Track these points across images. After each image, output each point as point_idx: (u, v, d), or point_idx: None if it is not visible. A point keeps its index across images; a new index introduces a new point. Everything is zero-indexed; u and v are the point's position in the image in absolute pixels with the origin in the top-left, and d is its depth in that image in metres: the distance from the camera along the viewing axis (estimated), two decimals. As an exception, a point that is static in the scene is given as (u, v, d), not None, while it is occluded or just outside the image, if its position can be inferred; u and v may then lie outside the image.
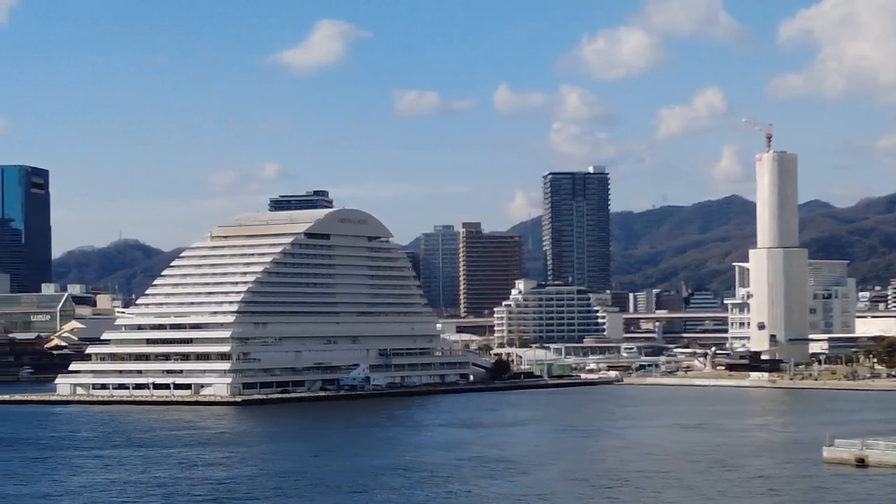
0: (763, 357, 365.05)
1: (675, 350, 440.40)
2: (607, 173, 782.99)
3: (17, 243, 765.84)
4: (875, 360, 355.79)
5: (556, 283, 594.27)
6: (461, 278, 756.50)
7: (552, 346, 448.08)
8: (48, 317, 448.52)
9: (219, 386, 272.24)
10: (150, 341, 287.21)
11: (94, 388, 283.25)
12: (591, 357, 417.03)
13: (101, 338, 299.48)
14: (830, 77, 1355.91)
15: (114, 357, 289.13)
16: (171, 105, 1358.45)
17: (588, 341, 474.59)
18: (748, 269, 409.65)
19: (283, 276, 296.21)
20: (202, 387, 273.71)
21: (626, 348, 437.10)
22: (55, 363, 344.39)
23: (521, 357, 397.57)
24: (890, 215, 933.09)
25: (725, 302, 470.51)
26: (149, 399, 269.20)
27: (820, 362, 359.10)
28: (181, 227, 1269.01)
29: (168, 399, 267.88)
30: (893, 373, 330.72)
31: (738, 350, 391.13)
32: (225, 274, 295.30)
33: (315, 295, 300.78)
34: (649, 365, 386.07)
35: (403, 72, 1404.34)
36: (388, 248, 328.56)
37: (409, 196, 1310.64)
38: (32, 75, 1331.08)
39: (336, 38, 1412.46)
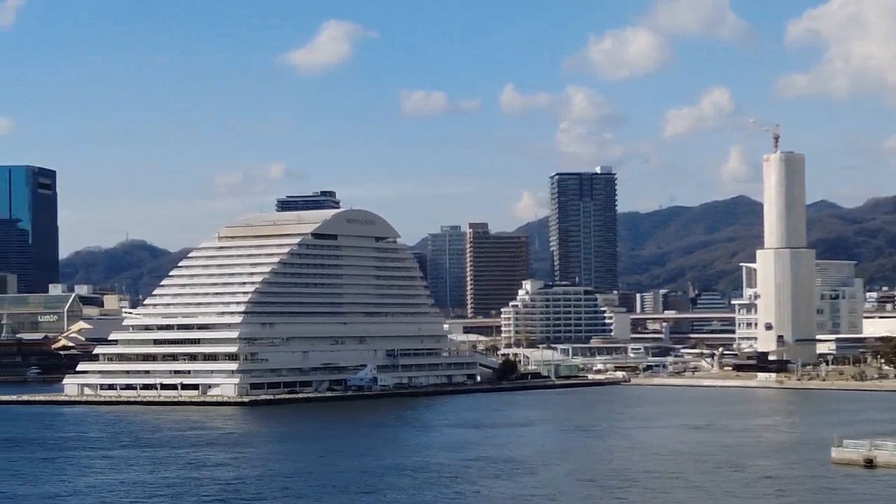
0: (770, 358, 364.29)
1: (682, 351, 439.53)
2: (614, 174, 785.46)
3: (24, 244, 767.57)
4: (883, 360, 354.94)
5: (563, 283, 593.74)
6: (468, 279, 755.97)
7: (559, 346, 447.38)
8: (55, 317, 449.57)
9: (226, 386, 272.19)
10: (157, 342, 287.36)
11: (101, 389, 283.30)
12: (598, 357, 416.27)
13: (109, 338, 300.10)
14: (838, 77, 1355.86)
15: (121, 357, 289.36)
16: (172, 105, 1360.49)
17: (595, 342, 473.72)
18: (755, 270, 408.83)
19: (291, 277, 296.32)
20: (210, 387, 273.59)
21: (633, 349, 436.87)
22: (62, 364, 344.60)
23: (528, 357, 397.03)
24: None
25: (733, 302, 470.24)
26: (156, 399, 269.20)
27: (827, 363, 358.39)
28: (187, 228, 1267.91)
29: (175, 399, 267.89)
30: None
31: (746, 351, 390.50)
32: (232, 274, 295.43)
33: (322, 295, 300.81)
34: (656, 365, 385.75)
35: (409, 72, 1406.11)
36: (395, 248, 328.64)
37: (416, 196, 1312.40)
38: (35, 76, 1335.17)
39: (342, 38, 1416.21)
